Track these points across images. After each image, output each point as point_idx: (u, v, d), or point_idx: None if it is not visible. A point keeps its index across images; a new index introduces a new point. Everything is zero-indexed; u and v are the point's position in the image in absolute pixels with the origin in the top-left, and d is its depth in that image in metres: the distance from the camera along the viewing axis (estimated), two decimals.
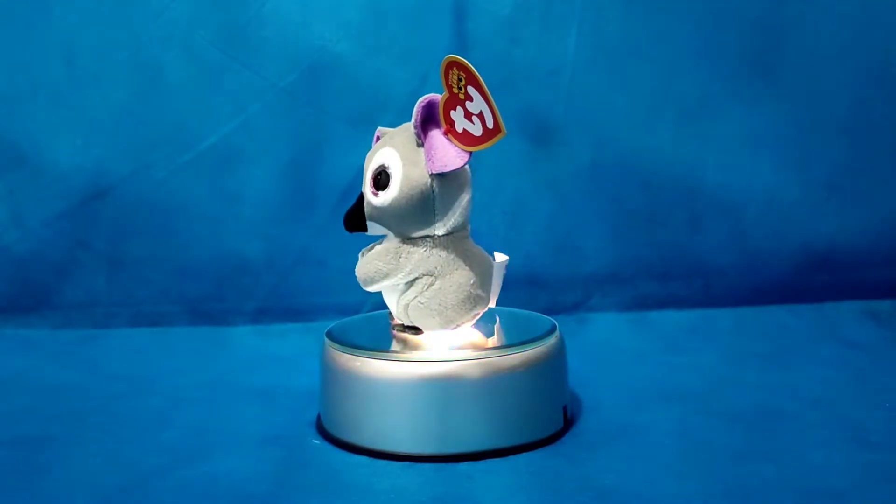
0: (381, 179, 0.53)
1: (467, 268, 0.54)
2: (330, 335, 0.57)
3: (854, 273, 0.86)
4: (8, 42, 0.81)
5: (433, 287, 0.53)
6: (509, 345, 0.53)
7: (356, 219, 0.55)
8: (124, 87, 0.82)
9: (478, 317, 0.55)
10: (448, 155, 0.51)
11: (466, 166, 0.53)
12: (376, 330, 0.58)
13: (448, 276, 0.53)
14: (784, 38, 0.84)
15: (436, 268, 0.53)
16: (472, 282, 0.54)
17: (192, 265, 0.84)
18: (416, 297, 0.54)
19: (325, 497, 0.47)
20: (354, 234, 0.56)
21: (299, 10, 0.81)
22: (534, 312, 0.62)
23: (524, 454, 0.52)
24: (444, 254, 0.53)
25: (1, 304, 0.83)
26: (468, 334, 0.56)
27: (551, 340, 0.55)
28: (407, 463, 0.51)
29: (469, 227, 0.56)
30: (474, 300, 0.54)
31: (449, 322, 0.54)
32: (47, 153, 0.82)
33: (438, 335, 0.55)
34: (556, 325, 0.58)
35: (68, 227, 0.83)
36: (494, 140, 0.50)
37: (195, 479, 0.50)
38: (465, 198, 0.53)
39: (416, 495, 0.47)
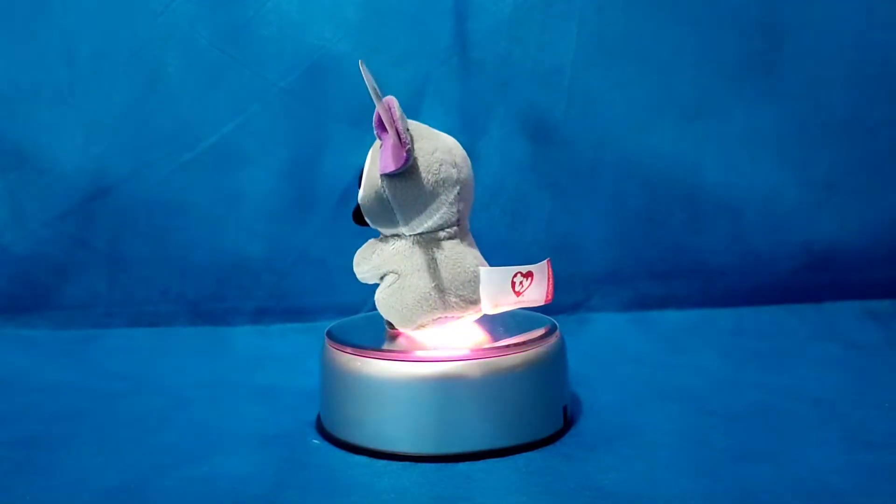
0: (360, 177, 0.56)
1: (432, 271, 0.54)
2: (330, 335, 0.57)
3: (854, 273, 0.86)
4: (8, 42, 0.81)
5: (394, 285, 0.55)
6: (509, 345, 0.53)
7: (356, 214, 0.57)
8: (125, 87, 0.82)
9: (449, 321, 0.55)
10: (390, 157, 0.52)
11: (454, 169, 0.53)
12: (376, 330, 0.58)
13: (409, 276, 0.54)
14: (784, 38, 0.84)
15: (401, 266, 0.55)
16: (433, 285, 0.53)
17: (192, 265, 0.84)
18: (380, 291, 0.56)
19: (325, 497, 0.47)
20: (354, 233, 0.57)
21: (299, 10, 0.82)
22: (534, 312, 0.62)
23: (524, 454, 0.52)
24: (409, 254, 0.54)
25: (1, 304, 0.83)
26: (469, 334, 0.56)
27: (551, 340, 0.55)
28: (407, 463, 0.51)
29: (455, 230, 0.55)
30: (434, 303, 0.53)
31: (406, 320, 0.54)
32: (48, 153, 0.82)
33: (430, 335, 0.55)
34: (556, 325, 0.58)
35: (68, 227, 0.83)
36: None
37: (195, 479, 0.50)
38: (439, 200, 0.53)
39: (416, 495, 0.47)
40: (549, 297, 0.55)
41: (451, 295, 0.54)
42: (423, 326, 0.55)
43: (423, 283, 0.54)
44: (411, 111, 0.80)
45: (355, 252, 0.57)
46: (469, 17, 0.82)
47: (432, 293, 0.53)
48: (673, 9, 0.83)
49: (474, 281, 0.54)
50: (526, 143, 0.84)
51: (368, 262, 0.56)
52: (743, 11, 0.84)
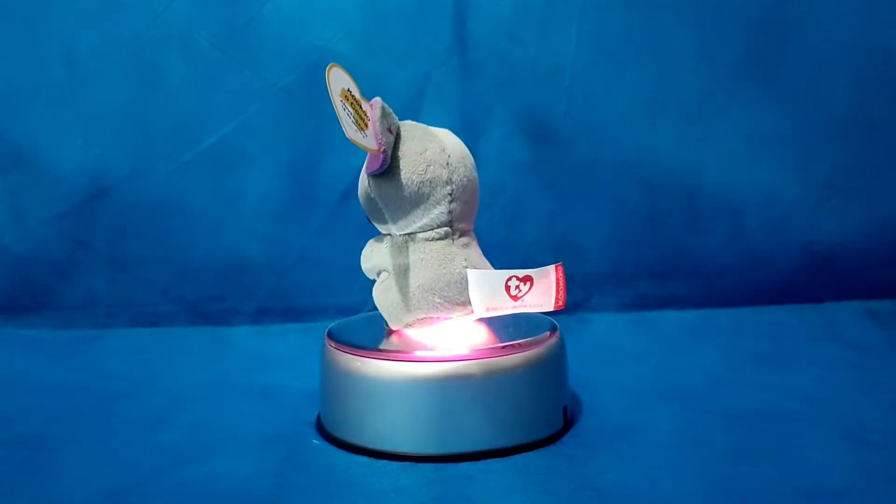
0: None
1: (417, 270, 0.54)
2: (330, 335, 0.57)
3: (854, 273, 0.86)
4: (8, 42, 0.81)
5: (385, 283, 0.56)
6: (509, 345, 0.53)
7: None
8: (124, 87, 0.82)
9: (438, 321, 0.55)
10: (370, 158, 0.54)
11: (445, 170, 0.53)
12: (376, 330, 0.58)
13: (397, 275, 0.55)
14: (784, 38, 0.84)
15: (390, 265, 0.56)
16: (417, 284, 0.54)
17: (192, 265, 0.84)
18: (375, 289, 0.57)
19: (325, 497, 0.47)
20: (354, 233, 0.59)
21: (299, 10, 0.81)
22: (534, 312, 0.62)
23: (524, 454, 0.52)
24: (398, 253, 0.55)
25: (1, 304, 0.83)
26: (469, 334, 0.56)
27: (551, 340, 0.55)
28: (407, 463, 0.51)
29: (445, 230, 0.55)
30: (417, 302, 0.54)
31: (393, 318, 0.55)
32: (47, 153, 0.82)
33: (430, 335, 0.55)
34: (556, 325, 0.58)
35: (68, 227, 0.83)
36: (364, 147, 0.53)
37: (195, 479, 0.50)
38: (428, 201, 0.54)
39: (416, 495, 0.47)
40: (560, 303, 0.53)
41: (434, 295, 0.54)
42: (409, 325, 0.55)
43: (407, 282, 0.54)
44: (411, 111, 0.80)
45: (355, 252, 0.58)
46: (469, 17, 0.82)
47: (416, 292, 0.54)
48: (673, 9, 0.83)
49: (461, 283, 0.54)
50: (526, 143, 0.84)
51: (366, 259, 0.58)
52: (743, 11, 0.84)
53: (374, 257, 0.57)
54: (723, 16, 0.83)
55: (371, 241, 0.58)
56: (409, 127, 0.55)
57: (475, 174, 0.56)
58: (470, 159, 0.56)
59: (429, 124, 0.57)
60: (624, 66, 0.84)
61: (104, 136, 0.82)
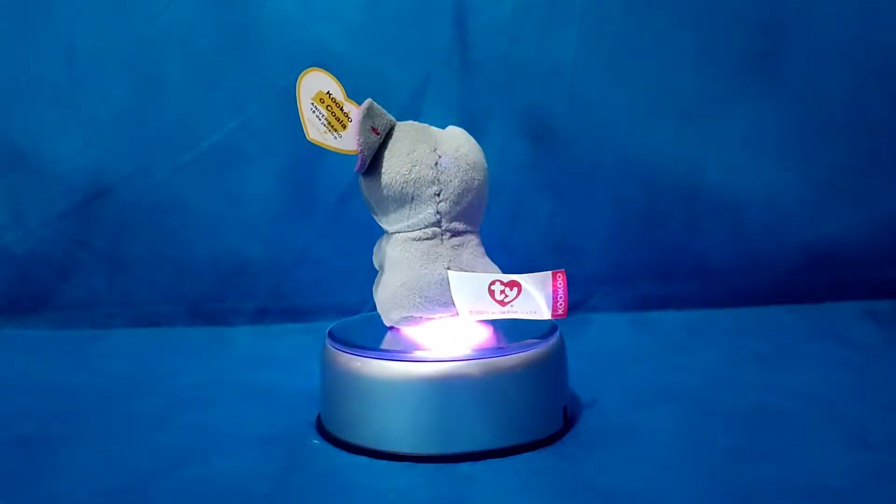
0: None
1: (401, 269, 0.55)
2: (330, 335, 0.57)
3: (854, 273, 0.86)
4: (8, 42, 0.81)
5: (378, 279, 0.58)
6: (509, 345, 0.53)
7: None
8: (124, 87, 0.82)
9: (423, 321, 0.55)
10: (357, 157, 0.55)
11: (433, 170, 0.54)
12: (376, 330, 0.58)
13: (385, 272, 0.56)
14: (784, 37, 0.84)
15: (383, 261, 0.57)
16: (399, 283, 0.55)
17: (192, 265, 0.84)
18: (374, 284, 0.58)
19: (325, 497, 0.47)
20: (354, 233, 0.59)
21: (299, 10, 0.81)
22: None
23: (524, 454, 0.52)
24: (387, 249, 0.56)
25: (1, 304, 0.83)
26: (469, 334, 0.56)
27: (551, 340, 0.55)
28: (407, 463, 0.51)
29: (433, 230, 0.55)
30: (400, 301, 0.54)
31: (383, 315, 0.56)
32: (47, 153, 0.82)
33: (430, 335, 0.55)
34: (556, 326, 0.58)
35: (68, 227, 0.83)
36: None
37: (195, 479, 0.50)
38: (414, 200, 0.54)
39: (416, 495, 0.47)
40: (560, 311, 0.52)
41: (415, 294, 0.54)
42: (396, 323, 0.56)
43: (391, 279, 0.55)
44: (412, 111, 0.80)
45: (355, 252, 0.61)
46: (469, 17, 0.82)
47: (399, 290, 0.55)
48: (673, 9, 0.83)
49: (442, 283, 0.54)
50: (526, 143, 0.84)
51: (375, 254, 0.59)
52: (743, 11, 0.84)
53: (378, 251, 0.59)
54: (723, 16, 0.83)
55: (381, 237, 0.60)
56: (404, 127, 0.56)
57: (476, 175, 0.56)
58: (470, 159, 0.56)
59: (429, 124, 0.57)
60: (624, 66, 0.84)
61: (104, 136, 0.82)
